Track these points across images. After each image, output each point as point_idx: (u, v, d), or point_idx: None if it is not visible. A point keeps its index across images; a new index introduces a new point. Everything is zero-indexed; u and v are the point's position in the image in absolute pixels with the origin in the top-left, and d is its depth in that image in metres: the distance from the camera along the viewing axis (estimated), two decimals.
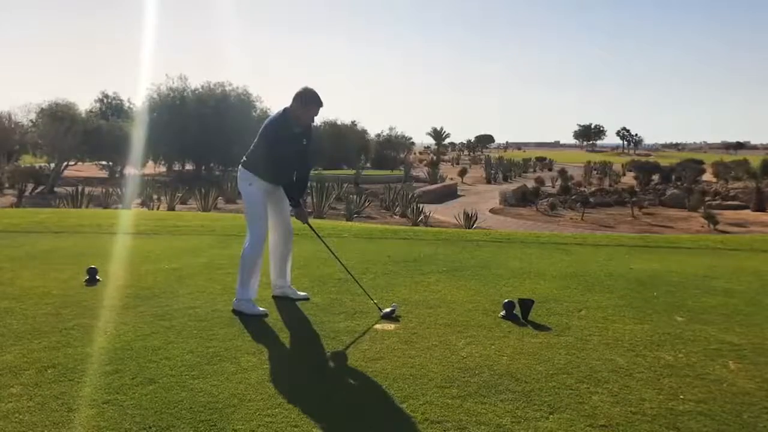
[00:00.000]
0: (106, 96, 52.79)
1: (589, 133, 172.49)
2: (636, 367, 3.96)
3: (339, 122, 58.92)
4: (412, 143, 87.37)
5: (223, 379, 3.67)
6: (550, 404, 3.39)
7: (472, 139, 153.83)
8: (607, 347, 4.32)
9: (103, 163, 44.60)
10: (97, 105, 51.79)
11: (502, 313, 5.00)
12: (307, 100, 5.09)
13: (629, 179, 50.69)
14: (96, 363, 3.89)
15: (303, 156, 5.29)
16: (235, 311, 5.04)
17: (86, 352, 4.08)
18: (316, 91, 5.12)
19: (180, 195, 25.09)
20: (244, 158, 5.28)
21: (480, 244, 8.58)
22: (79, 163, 43.12)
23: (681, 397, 3.52)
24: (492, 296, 5.64)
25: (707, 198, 31.98)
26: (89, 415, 3.18)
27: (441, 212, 24.94)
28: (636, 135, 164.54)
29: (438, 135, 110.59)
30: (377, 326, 4.72)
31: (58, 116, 39.69)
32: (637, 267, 7.08)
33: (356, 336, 4.50)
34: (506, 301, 5.03)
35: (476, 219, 20.31)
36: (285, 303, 5.38)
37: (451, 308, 5.24)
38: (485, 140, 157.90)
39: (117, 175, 41.31)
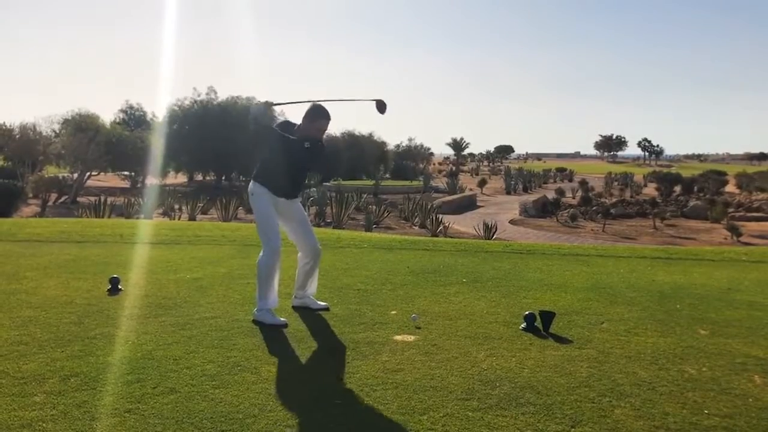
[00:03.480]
0: (131, 107, 53.48)
1: (610, 144, 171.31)
2: (659, 380, 3.91)
3: (357, 132, 59.10)
4: (431, 154, 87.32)
5: (243, 389, 3.68)
6: (572, 418, 3.35)
7: (492, 150, 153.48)
8: (629, 360, 4.27)
9: (126, 173, 45.09)
10: (121, 115, 52.48)
11: (523, 325, 4.96)
12: (314, 115, 5.16)
13: (651, 190, 50.25)
14: (118, 372, 3.92)
15: (302, 168, 5.39)
16: (255, 321, 5.06)
17: (108, 361, 4.11)
18: (324, 106, 5.19)
19: (201, 205, 25.27)
20: (254, 172, 5.34)
21: (500, 256, 8.54)
22: (102, 173, 43.63)
23: (705, 411, 3.47)
24: (513, 308, 5.61)
25: (730, 209, 31.59)
26: (111, 424, 3.20)
27: (460, 223, 24.87)
28: (657, 146, 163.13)
29: (457, 145, 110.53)
30: (397, 337, 4.71)
31: (81, 127, 40.24)
32: (659, 279, 7.00)
33: (376, 347, 4.49)
34: (527, 313, 5.00)
35: (496, 230, 20.23)
36: (305, 313, 5.39)
37: (471, 320, 5.21)
38: (505, 151, 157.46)
39: (139, 186, 41.74)
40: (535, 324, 4.92)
